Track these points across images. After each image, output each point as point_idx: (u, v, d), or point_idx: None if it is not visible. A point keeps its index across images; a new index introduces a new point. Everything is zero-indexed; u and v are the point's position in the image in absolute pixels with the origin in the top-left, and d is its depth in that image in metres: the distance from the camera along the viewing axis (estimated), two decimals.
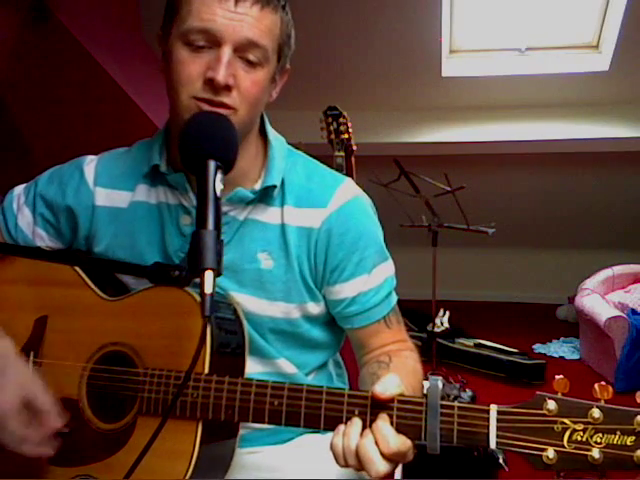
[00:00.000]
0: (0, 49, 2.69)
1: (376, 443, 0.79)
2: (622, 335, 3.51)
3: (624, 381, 3.47)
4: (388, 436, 0.79)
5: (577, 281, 4.11)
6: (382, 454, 0.79)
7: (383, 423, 0.80)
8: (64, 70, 2.92)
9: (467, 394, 2.81)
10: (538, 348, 4.25)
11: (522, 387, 3.55)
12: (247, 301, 1.03)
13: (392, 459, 0.79)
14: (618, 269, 4.21)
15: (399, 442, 0.79)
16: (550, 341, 4.38)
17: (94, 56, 2.87)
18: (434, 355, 3.57)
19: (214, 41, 0.90)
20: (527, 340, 4.30)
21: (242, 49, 0.91)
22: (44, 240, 1.11)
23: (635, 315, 3.64)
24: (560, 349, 4.22)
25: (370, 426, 0.81)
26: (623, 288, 4.13)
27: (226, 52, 0.90)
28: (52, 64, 2.87)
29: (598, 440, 0.72)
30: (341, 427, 0.82)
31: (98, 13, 2.97)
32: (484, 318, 4.80)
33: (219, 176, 0.86)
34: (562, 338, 4.42)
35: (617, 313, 3.60)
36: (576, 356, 4.09)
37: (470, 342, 3.92)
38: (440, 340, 3.79)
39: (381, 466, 0.79)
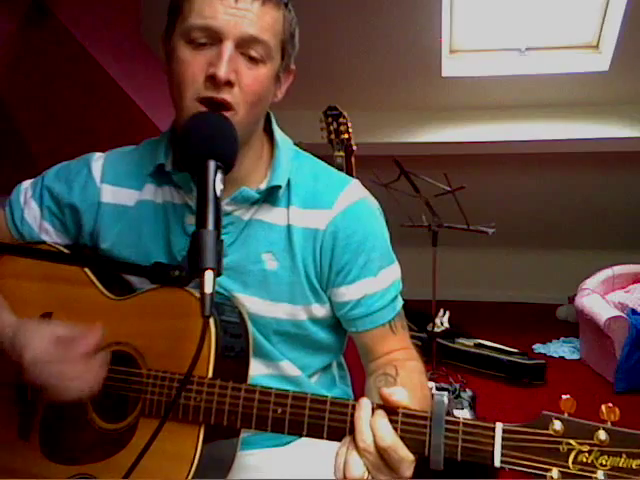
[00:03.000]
0: (0, 49, 2.69)
1: (373, 434, 0.78)
2: (622, 335, 3.51)
3: (624, 381, 3.46)
4: (385, 428, 0.78)
5: (577, 281, 4.11)
6: (376, 446, 0.78)
7: (382, 419, 0.79)
8: (64, 70, 2.92)
9: (467, 394, 2.81)
10: (538, 348, 4.25)
11: (522, 387, 3.55)
12: (251, 302, 1.03)
13: (386, 455, 0.78)
14: (618, 269, 4.21)
15: (397, 440, 0.78)
16: (550, 341, 4.38)
17: (94, 56, 2.87)
18: (434, 355, 3.58)
19: (215, 37, 0.90)
20: (527, 340, 4.29)
21: (244, 45, 0.91)
22: (50, 234, 1.11)
23: (635, 315, 3.64)
24: (560, 349, 4.22)
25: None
26: (623, 288, 4.13)
27: (227, 48, 0.89)
28: (52, 64, 2.87)
29: (603, 462, 0.72)
30: (347, 438, 0.82)
31: (98, 13, 2.97)
32: (484, 318, 4.80)
33: (219, 176, 0.85)
34: (562, 338, 4.42)
35: (617, 313, 3.60)
36: (576, 356, 4.09)
37: (470, 342, 3.91)
38: (440, 340, 3.80)
39: (369, 440, 0.78)
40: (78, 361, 0.89)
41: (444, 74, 3.89)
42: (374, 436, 0.78)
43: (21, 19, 2.69)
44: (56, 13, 2.72)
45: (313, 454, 1.07)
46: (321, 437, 0.84)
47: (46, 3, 2.69)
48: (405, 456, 0.78)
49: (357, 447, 0.79)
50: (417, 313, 4.05)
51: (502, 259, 5.28)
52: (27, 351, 0.89)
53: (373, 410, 0.81)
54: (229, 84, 0.90)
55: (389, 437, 0.78)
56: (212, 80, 0.89)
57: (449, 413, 0.78)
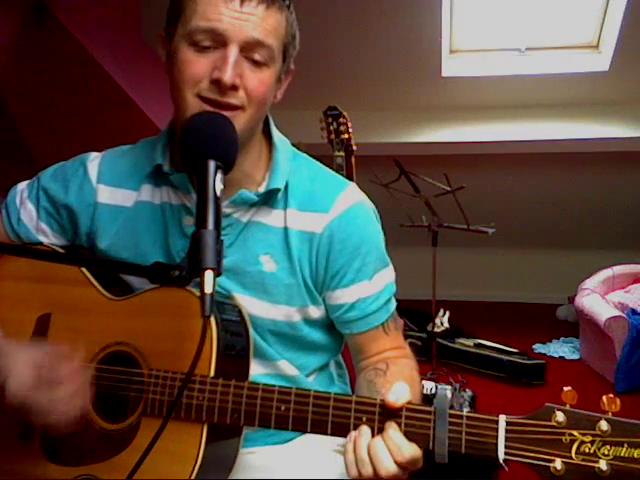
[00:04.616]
0: (0, 49, 2.69)
1: (390, 452, 0.79)
2: (622, 335, 3.51)
3: (624, 381, 3.46)
4: (401, 444, 0.79)
5: (577, 281, 4.10)
6: (396, 462, 0.79)
7: (394, 432, 0.80)
8: (64, 70, 2.92)
9: (467, 394, 2.81)
10: (538, 348, 4.24)
11: (522, 387, 3.55)
12: (249, 303, 1.03)
13: (404, 466, 0.80)
14: (618, 269, 4.20)
15: (412, 450, 0.80)
16: (550, 341, 4.38)
17: (94, 56, 2.87)
18: (434, 355, 3.57)
19: (220, 41, 0.90)
20: (527, 340, 4.29)
21: (248, 49, 0.91)
22: (47, 235, 1.11)
23: (635, 315, 3.63)
24: (560, 349, 4.21)
25: (379, 433, 0.81)
26: (623, 288, 4.13)
27: (232, 52, 0.89)
28: (52, 64, 2.87)
29: (606, 452, 0.73)
30: (353, 434, 0.82)
31: (98, 13, 2.97)
32: (484, 318, 4.80)
33: (219, 176, 0.85)
34: (562, 338, 4.42)
35: (617, 313, 3.60)
36: (576, 356, 4.09)
37: (470, 342, 3.91)
38: (440, 340, 3.79)
39: (394, 470, 0.79)
40: (63, 384, 0.89)
41: (444, 74, 3.89)
42: (390, 454, 0.80)
43: (21, 19, 2.69)
44: (56, 13, 2.72)
45: (314, 452, 1.08)
46: (325, 433, 0.84)
47: (46, 3, 2.69)
48: (419, 458, 0.80)
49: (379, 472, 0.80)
50: (417, 313, 4.05)
51: (502, 259, 5.28)
52: (10, 381, 0.89)
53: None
54: (234, 88, 0.90)
55: (407, 453, 0.80)
56: (217, 84, 0.89)
57: (452, 407, 0.79)
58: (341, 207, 1.04)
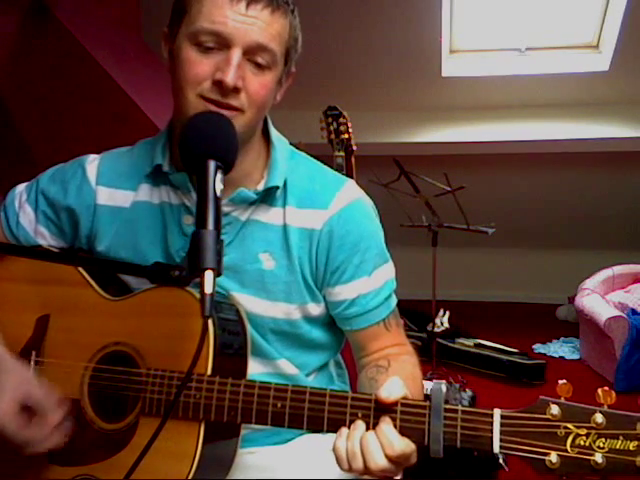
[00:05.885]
0: (0, 49, 2.69)
1: (381, 447, 0.79)
2: (622, 335, 3.51)
3: (624, 381, 3.47)
4: (392, 439, 0.79)
5: (577, 281, 4.10)
6: (387, 456, 0.79)
7: (387, 426, 0.80)
8: (64, 70, 2.92)
9: (467, 394, 2.80)
10: (538, 348, 4.25)
11: (522, 387, 3.55)
12: (249, 301, 1.03)
13: (396, 461, 0.80)
14: (618, 269, 4.20)
15: (403, 444, 0.79)
16: (550, 341, 4.38)
17: (94, 56, 2.87)
18: (434, 355, 3.57)
19: (224, 43, 0.90)
20: (527, 340, 4.29)
21: (251, 52, 0.91)
22: (46, 238, 1.11)
23: (635, 315, 3.64)
24: (560, 349, 4.22)
25: (373, 429, 0.81)
26: (623, 288, 4.13)
27: (236, 55, 0.90)
28: (52, 64, 2.87)
29: (601, 445, 0.73)
30: (344, 430, 0.83)
31: (98, 13, 2.97)
32: (484, 318, 4.80)
33: (219, 176, 0.86)
34: (562, 338, 4.42)
35: (617, 313, 3.60)
36: (576, 356, 4.09)
37: (470, 342, 3.91)
38: (440, 340, 3.79)
39: (384, 464, 0.79)
40: (44, 421, 0.93)
41: (444, 74, 3.90)
42: (382, 449, 0.80)
43: (21, 19, 2.69)
44: (56, 13, 2.72)
45: (312, 453, 1.08)
46: (321, 430, 0.84)
47: (46, 3, 2.69)
48: (411, 453, 0.80)
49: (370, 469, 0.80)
50: (417, 313, 4.06)
51: (502, 259, 5.28)
52: None
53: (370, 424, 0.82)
54: (236, 90, 0.91)
55: (399, 448, 0.79)
56: (219, 85, 0.90)
57: (447, 402, 0.79)
58: (340, 203, 1.04)
